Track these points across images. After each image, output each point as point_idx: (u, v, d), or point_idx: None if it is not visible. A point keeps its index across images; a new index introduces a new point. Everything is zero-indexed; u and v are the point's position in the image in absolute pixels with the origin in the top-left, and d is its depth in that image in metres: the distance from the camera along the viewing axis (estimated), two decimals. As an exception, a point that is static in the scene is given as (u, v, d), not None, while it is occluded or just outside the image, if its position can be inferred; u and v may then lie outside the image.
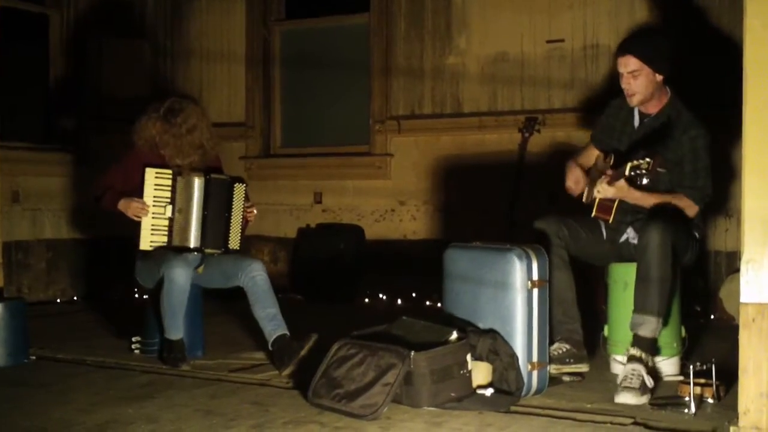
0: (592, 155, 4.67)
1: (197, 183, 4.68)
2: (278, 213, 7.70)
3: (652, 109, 4.41)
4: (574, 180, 4.56)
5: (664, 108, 4.40)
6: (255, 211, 4.86)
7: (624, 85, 4.36)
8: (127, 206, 4.65)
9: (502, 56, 7.02)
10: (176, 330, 4.59)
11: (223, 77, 8.13)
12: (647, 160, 3.92)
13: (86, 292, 7.48)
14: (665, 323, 4.11)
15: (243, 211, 4.75)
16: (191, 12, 8.23)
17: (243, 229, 4.78)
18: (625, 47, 4.39)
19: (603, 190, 4.19)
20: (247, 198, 4.78)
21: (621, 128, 4.52)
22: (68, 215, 7.44)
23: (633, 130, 4.46)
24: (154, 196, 4.67)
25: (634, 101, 4.38)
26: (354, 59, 7.67)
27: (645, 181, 3.96)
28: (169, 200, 4.68)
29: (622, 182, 4.12)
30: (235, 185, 4.74)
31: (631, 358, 3.97)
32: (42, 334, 5.36)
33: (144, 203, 4.64)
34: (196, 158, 4.77)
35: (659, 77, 4.33)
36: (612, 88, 6.35)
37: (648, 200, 4.25)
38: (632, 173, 3.99)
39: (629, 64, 4.31)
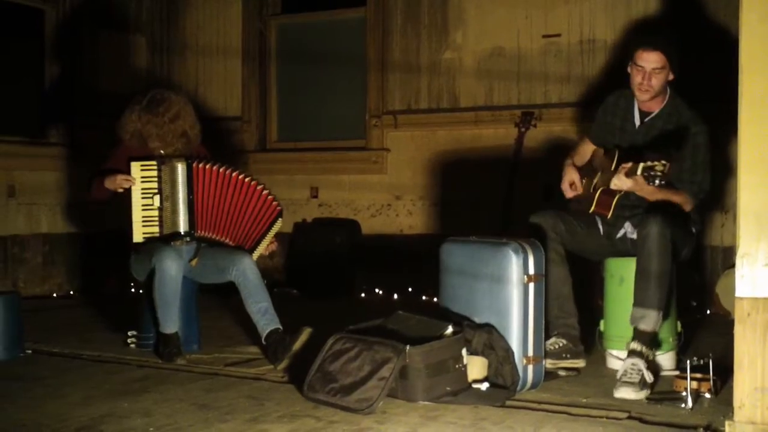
0: (588, 151, 4.66)
1: (180, 168, 4.66)
2: (274, 207, 7.69)
3: (654, 106, 4.39)
4: (569, 182, 4.55)
5: (665, 106, 4.38)
6: (273, 249, 4.89)
7: (642, 80, 4.28)
8: (112, 182, 4.62)
9: (498, 51, 7.02)
10: (171, 323, 4.58)
11: (219, 72, 8.13)
12: (663, 162, 3.84)
13: (82, 287, 7.48)
14: (665, 317, 4.11)
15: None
16: (187, 6, 8.22)
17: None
18: (655, 43, 4.31)
19: (620, 182, 4.10)
20: None
21: (620, 125, 4.49)
22: (64, 209, 7.44)
23: (634, 128, 4.43)
24: (142, 188, 4.66)
25: (645, 97, 4.32)
26: (350, 54, 7.67)
27: (657, 182, 3.90)
28: (156, 190, 4.67)
29: (639, 176, 4.03)
30: (279, 220, 4.77)
31: (632, 353, 3.96)
32: (37, 328, 5.36)
33: (127, 175, 4.62)
34: (180, 146, 4.78)
35: (671, 77, 4.32)
36: (609, 83, 6.38)
37: (655, 195, 4.20)
38: (645, 174, 3.91)
39: (656, 60, 4.25)
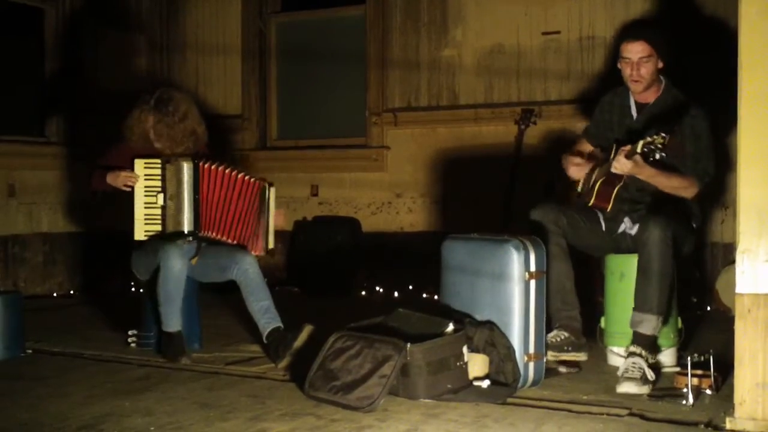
0: (584, 150, 4.66)
1: (186, 168, 4.65)
2: (275, 206, 7.69)
3: (650, 97, 4.39)
4: (575, 162, 4.54)
5: (661, 95, 4.39)
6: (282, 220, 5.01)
7: (630, 71, 4.30)
8: (115, 179, 4.62)
9: (498, 48, 7.02)
10: (174, 321, 4.57)
11: (219, 70, 8.12)
12: (662, 135, 3.84)
13: (83, 286, 7.48)
14: (665, 321, 4.10)
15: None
16: (187, 5, 8.21)
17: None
18: (638, 33, 4.36)
19: (620, 164, 4.09)
20: None
21: (619, 120, 4.49)
22: (64, 209, 7.43)
23: (632, 121, 4.43)
24: (146, 187, 4.65)
25: (638, 88, 4.34)
26: (350, 51, 7.66)
27: (658, 156, 3.89)
28: (160, 189, 4.66)
29: (638, 157, 4.01)
30: (271, 189, 4.86)
31: (631, 354, 3.97)
32: (38, 327, 5.36)
33: (132, 173, 4.62)
34: (190, 144, 4.79)
35: (660, 65, 4.32)
36: (608, 79, 6.38)
37: (656, 177, 4.18)
38: (645, 149, 3.91)
39: (641, 50, 4.27)
